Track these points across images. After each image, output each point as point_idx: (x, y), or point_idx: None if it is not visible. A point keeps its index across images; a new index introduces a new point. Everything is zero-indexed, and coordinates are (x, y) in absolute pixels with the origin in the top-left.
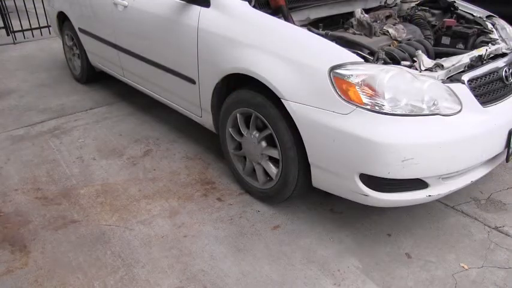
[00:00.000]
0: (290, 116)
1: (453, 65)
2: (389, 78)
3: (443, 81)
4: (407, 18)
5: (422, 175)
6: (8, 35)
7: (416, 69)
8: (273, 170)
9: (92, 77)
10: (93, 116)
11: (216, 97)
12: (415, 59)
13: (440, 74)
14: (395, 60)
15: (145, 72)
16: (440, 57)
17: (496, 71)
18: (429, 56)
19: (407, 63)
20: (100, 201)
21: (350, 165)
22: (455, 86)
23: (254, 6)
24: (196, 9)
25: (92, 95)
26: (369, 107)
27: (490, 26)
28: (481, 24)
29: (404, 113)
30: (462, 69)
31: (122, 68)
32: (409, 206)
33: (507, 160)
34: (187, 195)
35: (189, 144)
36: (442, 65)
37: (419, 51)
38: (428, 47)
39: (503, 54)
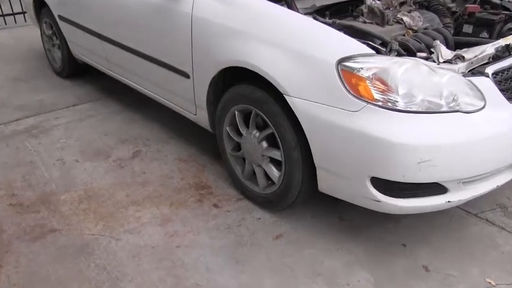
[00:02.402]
0: (294, 113)
1: (476, 56)
2: (404, 71)
3: (465, 75)
4: (424, 5)
5: (441, 179)
6: None
7: (434, 61)
8: (275, 173)
9: (74, 70)
10: (76, 113)
11: (212, 93)
12: (432, 50)
13: (461, 66)
14: (410, 52)
15: (134, 65)
16: (461, 48)
17: None
18: (448, 47)
19: (424, 54)
20: (83, 208)
21: (360, 167)
22: (478, 80)
23: None
24: None
25: (74, 90)
26: (380, 103)
27: None
28: (509, 9)
29: (420, 110)
30: (486, 61)
31: (107, 60)
32: (427, 213)
33: None
34: (181, 201)
35: (182, 145)
36: (463, 57)
37: (438, 42)
38: (448, 37)
39: None
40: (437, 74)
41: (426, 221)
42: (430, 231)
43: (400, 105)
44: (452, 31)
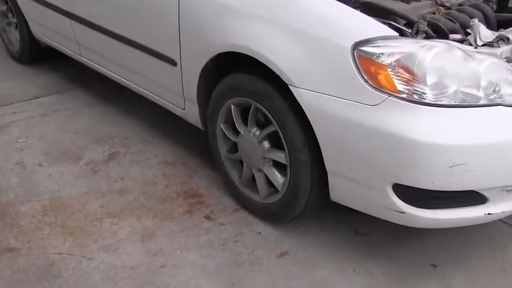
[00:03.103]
0: (301, 107)
1: None
2: (433, 57)
3: (509, 60)
4: None
5: (479, 186)
6: None
7: (471, 44)
8: (278, 178)
9: (37, 55)
10: (39, 107)
11: (203, 83)
12: (469, 30)
13: (505, 50)
14: (441, 33)
15: (110, 49)
16: (505, 28)
17: None
18: (489, 26)
19: (458, 36)
20: (48, 222)
21: (380, 172)
22: None
23: None
24: None
25: (36, 80)
26: (405, 95)
27: None
28: None
29: (453, 103)
30: None
31: (77, 44)
32: (461, 228)
33: None
34: (166, 212)
35: (167, 145)
36: (508, 38)
37: (476, 20)
38: (489, 14)
39: None
40: (474, 60)
41: (461, 238)
42: (465, 250)
43: (429, 97)
44: (494, 7)
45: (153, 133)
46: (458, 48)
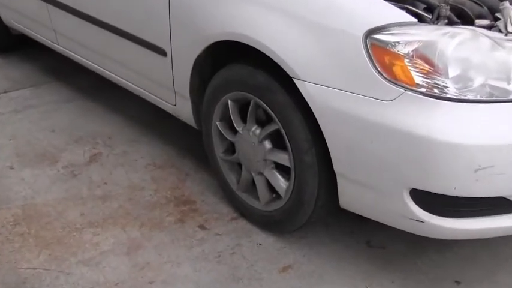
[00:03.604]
0: (306, 103)
1: None
2: (457, 46)
3: None
4: None
5: (508, 192)
6: None
7: (501, 31)
8: (281, 183)
9: (7, 43)
10: (10, 103)
11: (197, 76)
12: (498, 15)
13: None
14: (466, 19)
15: (91, 37)
16: None
17: None
18: None
19: (486, 22)
20: (20, 232)
21: (396, 176)
22: None
23: None
24: None
25: (6, 71)
26: (424, 89)
27: None
28: None
29: (479, 98)
30: None
31: (54, 31)
32: (488, 239)
33: None
34: (155, 221)
35: (157, 146)
36: None
37: (506, 3)
38: None
39: None
40: (504, 49)
41: (487, 251)
42: (493, 264)
43: (451, 91)
44: None
45: (140, 132)
46: (486, 35)
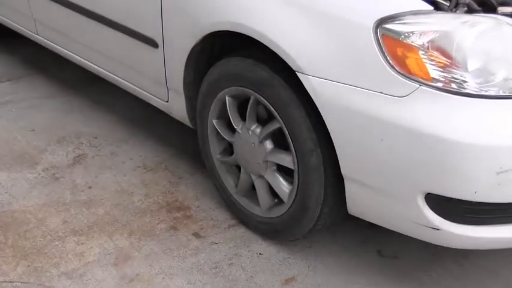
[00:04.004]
0: (311, 99)
1: None
2: (477, 36)
3: None
4: None
5: None
6: None
7: None
8: (283, 187)
9: None
10: None
11: (191, 69)
12: None
13: None
14: (488, 6)
15: (76, 28)
16: None
17: None
18: None
19: (510, 9)
20: None
21: (410, 179)
22: None
23: None
24: None
25: None
26: (440, 84)
27: None
28: None
29: (501, 93)
30: None
31: (33, 20)
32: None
33: None
34: (145, 228)
35: (147, 146)
36: None
37: None
38: None
39: None
40: None
41: (510, 263)
42: None
43: (471, 86)
44: None
45: (130, 131)
46: (510, 24)
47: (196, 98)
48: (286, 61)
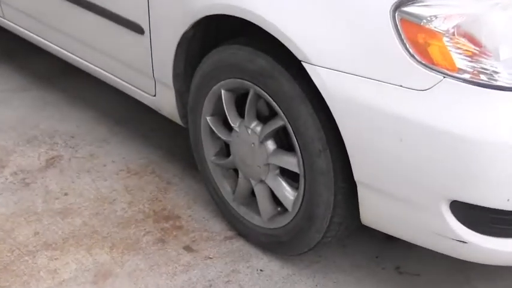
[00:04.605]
0: (319, 93)
1: None
2: (510, 20)
3: None
4: None
5: None
6: None
7: None
8: (287, 193)
9: None
10: None
11: (182, 59)
12: None
13: None
14: None
15: (48, 10)
16: None
17: None
18: None
19: None
20: None
21: (432, 184)
22: None
23: None
24: None
25: None
26: (468, 75)
27: None
28: None
29: None
30: None
31: None
32: None
33: None
34: (129, 241)
35: (132, 147)
36: None
37: None
38: None
39: None
40: None
41: None
42: None
43: (503, 78)
44: None
45: (112, 130)
46: None
47: (187, 92)
48: (291, 50)
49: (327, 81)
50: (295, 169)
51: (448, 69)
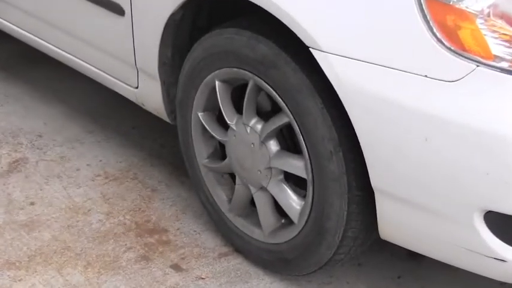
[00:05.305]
0: (330, 85)
1: None
2: None
3: None
4: None
5: None
6: None
7: None
8: (293, 203)
9: None
10: None
11: (169, 45)
12: None
13: None
14: None
15: None
16: None
17: None
18: None
19: None
20: None
21: (463, 192)
22: None
23: None
24: None
25: None
26: (506, 64)
27: None
28: None
29: None
30: None
31: None
32: None
33: None
34: (107, 259)
35: (110, 148)
36: None
37: None
38: None
39: None
40: None
41: None
42: None
43: None
44: None
45: (86, 128)
46: None
47: (175, 84)
48: (297, 34)
49: (340, 70)
50: (302, 174)
51: (482, 57)
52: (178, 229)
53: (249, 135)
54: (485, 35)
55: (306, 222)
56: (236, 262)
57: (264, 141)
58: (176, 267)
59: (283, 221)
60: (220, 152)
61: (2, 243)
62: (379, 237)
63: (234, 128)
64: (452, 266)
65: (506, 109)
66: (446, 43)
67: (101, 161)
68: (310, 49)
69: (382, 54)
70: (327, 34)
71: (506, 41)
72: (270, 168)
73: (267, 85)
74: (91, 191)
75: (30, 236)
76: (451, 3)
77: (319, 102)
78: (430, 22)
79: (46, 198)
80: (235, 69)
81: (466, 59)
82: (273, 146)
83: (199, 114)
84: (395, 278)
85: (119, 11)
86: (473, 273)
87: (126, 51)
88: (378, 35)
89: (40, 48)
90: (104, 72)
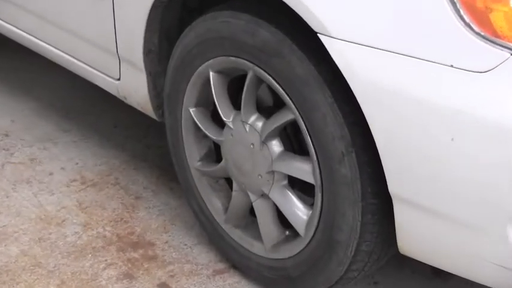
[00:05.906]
0: (342, 77)
1: None
2: None
3: None
4: None
5: None
6: None
7: None
8: (299, 212)
9: None
10: None
11: (156, 30)
12: None
13: None
14: None
15: None
16: None
17: None
18: None
19: None
20: None
21: (494, 200)
22: None
23: None
24: None
25: None
26: None
27: None
28: None
29: None
30: None
31: None
32: None
33: None
34: (84, 277)
35: (88, 149)
36: None
37: None
38: None
39: None
40: None
41: None
42: None
43: None
44: None
45: (60, 126)
46: None
47: (163, 75)
48: (304, 18)
49: (352, 60)
50: (309, 179)
51: None
52: (166, 242)
53: (248, 134)
54: None
55: (314, 234)
56: (233, 281)
57: (265, 141)
58: (164, 286)
59: (287, 233)
60: (215, 153)
61: None
62: (398, 252)
63: (231, 126)
64: (481, 284)
65: None
66: (475, 28)
67: (77, 164)
68: (318, 35)
69: (402, 41)
70: (338, 18)
71: None
72: (272, 172)
73: (268, 76)
74: (66, 198)
75: None
76: None
77: (329, 95)
78: (457, 4)
79: (13, 207)
80: (232, 58)
81: (499, 46)
82: (276, 146)
83: (190, 110)
84: None
85: None
86: None
87: (105, 37)
88: (396, 19)
89: (7, 34)
90: (81, 61)
